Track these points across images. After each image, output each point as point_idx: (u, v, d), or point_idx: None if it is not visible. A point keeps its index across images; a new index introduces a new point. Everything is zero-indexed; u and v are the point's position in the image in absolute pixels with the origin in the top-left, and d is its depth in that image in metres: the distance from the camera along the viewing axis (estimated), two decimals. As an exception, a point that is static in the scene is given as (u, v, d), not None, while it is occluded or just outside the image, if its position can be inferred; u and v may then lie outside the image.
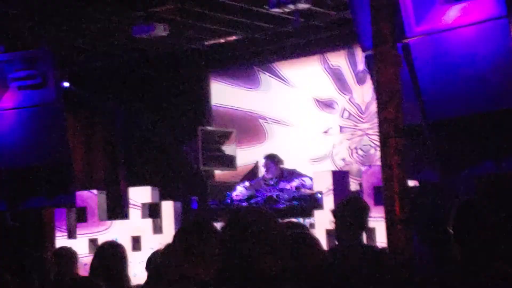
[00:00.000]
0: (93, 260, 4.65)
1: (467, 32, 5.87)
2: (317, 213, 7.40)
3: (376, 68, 4.16)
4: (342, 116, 10.42)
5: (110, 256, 4.61)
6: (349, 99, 10.38)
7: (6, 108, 8.30)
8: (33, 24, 8.57)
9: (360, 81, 10.23)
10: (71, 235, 8.55)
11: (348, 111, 10.38)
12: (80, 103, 10.52)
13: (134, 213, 8.32)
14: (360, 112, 10.30)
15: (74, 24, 8.87)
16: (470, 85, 5.84)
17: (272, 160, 8.51)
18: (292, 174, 8.56)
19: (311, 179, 8.10)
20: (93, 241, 8.34)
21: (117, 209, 9.12)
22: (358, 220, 4.61)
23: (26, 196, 8.52)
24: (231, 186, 8.81)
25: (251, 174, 10.22)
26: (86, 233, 8.47)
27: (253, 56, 10.67)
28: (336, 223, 4.65)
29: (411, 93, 5.77)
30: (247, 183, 8.55)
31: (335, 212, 4.76)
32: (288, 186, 8.23)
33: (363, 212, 4.67)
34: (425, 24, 5.98)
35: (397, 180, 3.98)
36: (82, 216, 8.56)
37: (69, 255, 5.51)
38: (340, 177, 7.45)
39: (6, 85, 8.16)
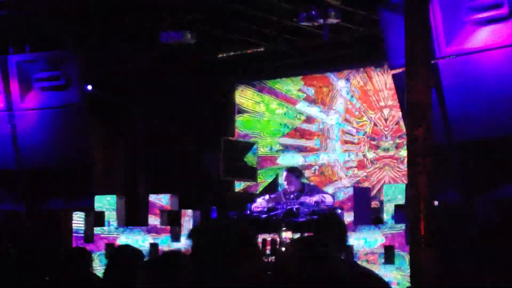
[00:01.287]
0: (108, 263, 4.64)
1: (497, 54, 5.90)
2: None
3: (407, 87, 4.18)
4: (364, 135, 10.43)
5: (126, 260, 4.60)
6: (374, 117, 10.36)
7: (29, 109, 8.37)
8: (58, 25, 8.64)
9: (386, 99, 10.22)
10: (88, 239, 8.58)
11: (371, 129, 10.38)
12: (103, 107, 10.53)
13: (153, 220, 8.34)
14: (382, 130, 10.29)
15: (101, 26, 8.93)
16: (497, 107, 5.86)
17: (294, 173, 8.52)
18: (313, 190, 8.57)
19: (332, 196, 8.10)
20: (109, 246, 8.36)
21: (136, 215, 9.12)
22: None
23: (45, 197, 8.59)
24: (251, 198, 8.81)
25: (271, 186, 10.20)
26: (103, 238, 8.49)
27: (279, 68, 10.70)
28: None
29: (436, 113, 5.80)
30: (267, 196, 8.56)
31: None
32: (308, 200, 8.23)
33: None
34: (455, 45, 6.01)
35: (423, 200, 4.00)
36: (100, 220, 8.57)
37: (83, 254, 5.46)
38: (361, 193, 7.44)
39: (30, 85, 8.23)
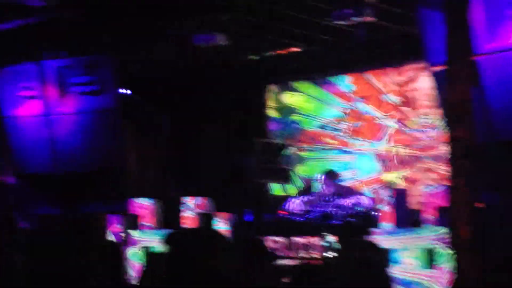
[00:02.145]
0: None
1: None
2: (373, 232, 7.24)
3: (447, 86, 4.04)
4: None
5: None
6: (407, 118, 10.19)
7: (65, 113, 8.42)
8: (94, 31, 8.66)
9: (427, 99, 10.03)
10: (123, 240, 8.56)
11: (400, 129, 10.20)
12: (136, 111, 10.56)
13: (188, 223, 8.29)
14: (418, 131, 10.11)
15: (134, 31, 8.93)
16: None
17: (329, 176, 8.43)
18: (349, 191, 8.46)
19: (369, 198, 7.96)
20: (144, 249, 8.33)
21: (170, 218, 9.04)
22: None
23: (81, 201, 8.63)
24: (286, 200, 8.72)
25: (308, 188, 10.09)
26: (138, 241, 8.48)
27: (313, 68, 10.56)
28: None
29: (477, 112, 5.61)
30: (303, 198, 8.47)
31: None
32: (344, 203, 8.11)
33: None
34: (496, 42, 5.83)
35: (464, 203, 3.86)
36: (134, 223, 8.57)
37: (112, 246, 5.33)
38: (400, 195, 7.29)
39: (66, 90, 8.28)
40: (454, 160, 3.90)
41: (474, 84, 4.79)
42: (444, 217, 6.57)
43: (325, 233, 7.38)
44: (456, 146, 3.90)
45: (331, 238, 7.30)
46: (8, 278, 4.45)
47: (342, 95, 10.56)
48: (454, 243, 3.84)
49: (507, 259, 5.28)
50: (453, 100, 3.96)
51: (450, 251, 3.86)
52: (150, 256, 4.78)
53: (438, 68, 6.51)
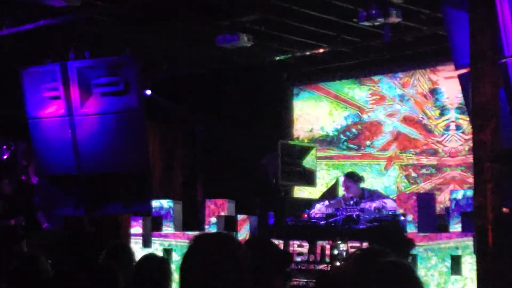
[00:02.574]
0: (135, 272, 4.46)
1: None
2: (399, 236, 7.11)
3: (472, 87, 3.92)
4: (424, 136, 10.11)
5: (153, 269, 4.43)
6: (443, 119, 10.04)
7: (88, 114, 8.40)
8: (117, 31, 8.66)
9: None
10: (146, 243, 8.57)
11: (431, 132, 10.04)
12: (160, 112, 10.56)
13: (210, 225, 8.27)
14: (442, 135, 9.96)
15: (158, 31, 8.91)
16: None
17: (352, 179, 8.28)
18: (373, 195, 8.30)
19: (393, 201, 7.81)
20: (167, 251, 8.31)
21: (193, 220, 9.08)
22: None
23: (105, 202, 8.62)
24: (309, 203, 8.61)
25: (331, 192, 9.98)
26: (161, 243, 8.44)
27: (339, 70, 10.48)
28: None
29: (506, 115, 5.46)
30: (326, 202, 8.35)
31: None
32: (368, 206, 7.97)
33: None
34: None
35: (490, 209, 3.74)
36: (157, 225, 8.54)
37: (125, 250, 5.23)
38: (426, 200, 7.15)
39: (89, 90, 8.27)
40: (480, 164, 3.76)
41: (503, 87, 4.65)
42: (470, 222, 6.44)
43: (339, 242, 7.26)
44: (482, 150, 3.77)
45: (343, 246, 7.18)
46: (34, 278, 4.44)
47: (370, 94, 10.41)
48: (480, 249, 3.70)
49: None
50: (478, 103, 3.83)
51: (476, 257, 3.72)
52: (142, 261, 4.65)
53: (465, 70, 6.41)
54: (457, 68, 6.59)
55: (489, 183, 3.72)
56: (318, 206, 8.29)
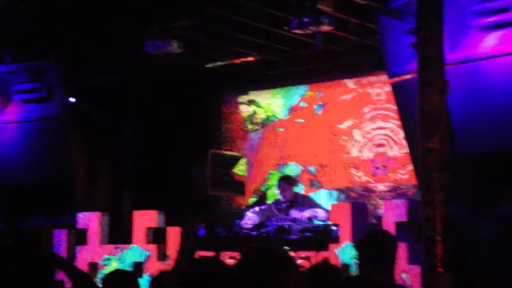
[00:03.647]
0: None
1: (504, 61, 5.49)
2: (332, 247, 6.94)
3: (419, 95, 3.76)
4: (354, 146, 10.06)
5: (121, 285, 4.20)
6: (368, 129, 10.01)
7: (8, 122, 8.02)
8: (40, 35, 8.24)
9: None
10: (70, 258, 8.16)
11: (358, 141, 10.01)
12: (86, 120, 10.25)
13: (138, 237, 7.96)
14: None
15: (84, 37, 8.55)
16: (505, 118, 5.45)
17: (287, 182, 8.13)
18: (305, 200, 8.15)
19: (325, 211, 7.67)
20: (93, 266, 7.95)
21: (120, 233, 8.78)
22: (386, 255, 4.05)
23: (25, 214, 8.24)
24: (240, 213, 8.40)
25: (261, 200, 9.83)
26: (86, 257, 8.10)
27: (269, 79, 10.36)
28: (359, 258, 4.10)
29: (457, 120, 5.39)
30: (257, 208, 8.19)
31: (358, 246, 4.20)
32: (299, 216, 7.81)
33: (392, 246, 4.12)
34: (460, 52, 5.61)
35: (439, 220, 3.57)
36: (82, 238, 8.23)
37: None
38: (359, 209, 7.03)
39: (9, 97, 7.89)
40: (427, 173, 3.59)
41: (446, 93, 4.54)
42: (406, 233, 6.34)
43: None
44: (429, 159, 3.61)
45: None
46: None
47: (297, 107, 10.32)
48: (428, 264, 3.52)
49: (478, 277, 5.03)
50: (427, 109, 3.67)
51: (423, 273, 3.54)
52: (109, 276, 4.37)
53: (398, 79, 6.32)
54: (390, 77, 6.54)
55: (438, 193, 3.54)
56: (249, 214, 8.13)
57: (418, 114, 3.72)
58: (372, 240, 4.05)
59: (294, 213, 7.88)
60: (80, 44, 8.77)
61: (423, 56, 3.76)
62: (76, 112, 9.26)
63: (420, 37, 3.82)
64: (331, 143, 10.21)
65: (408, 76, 6.00)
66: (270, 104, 10.64)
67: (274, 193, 8.56)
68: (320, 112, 10.28)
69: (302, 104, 10.43)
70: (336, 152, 10.16)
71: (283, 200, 7.99)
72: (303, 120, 10.41)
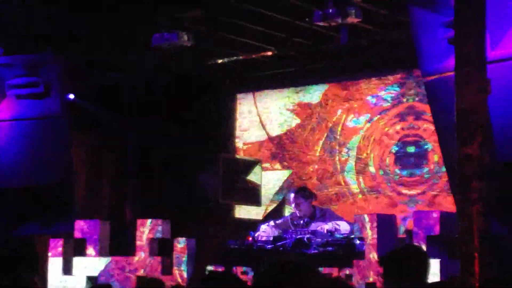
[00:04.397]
0: None
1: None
2: (356, 263, 6.88)
3: (457, 94, 3.71)
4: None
5: None
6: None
7: (3, 119, 8.09)
8: (39, 26, 8.26)
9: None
10: (67, 269, 8.19)
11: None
12: (87, 120, 10.23)
13: (141, 249, 7.94)
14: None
15: (87, 30, 8.58)
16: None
17: (303, 195, 7.99)
18: (325, 214, 8.06)
19: (349, 223, 7.59)
20: (91, 280, 7.94)
21: (122, 243, 8.75)
22: (415, 273, 3.97)
23: (19, 221, 8.32)
24: (254, 225, 8.36)
25: (277, 211, 9.79)
26: (84, 269, 8.08)
27: (288, 76, 10.31)
28: (385, 275, 4.04)
29: (498, 125, 5.35)
30: (272, 222, 8.09)
31: (383, 262, 4.12)
32: (319, 228, 7.74)
33: (424, 263, 4.05)
34: (503, 48, 5.58)
35: (478, 234, 3.51)
36: (80, 248, 8.22)
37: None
38: (386, 221, 6.95)
39: (3, 92, 7.95)
40: (464, 183, 3.54)
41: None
42: (440, 247, 6.29)
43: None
44: (467, 166, 3.55)
45: None
46: None
47: (315, 106, 10.32)
48: (465, 283, 3.46)
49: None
50: (465, 111, 3.61)
51: None
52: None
53: (432, 77, 6.30)
54: (424, 75, 6.54)
55: (476, 205, 3.48)
56: (263, 227, 8.04)
57: (454, 116, 3.68)
58: (399, 255, 3.98)
59: (314, 226, 7.81)
60: (82, 37, 8.78)
61: (461, 53, 3.74)
62: (76, 110, 9.25)
63: (458, 32, 3.79)
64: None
65: (444, 75, 5.97)
66: (287, 103, 10.63)
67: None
68: (340, 113, 10.25)
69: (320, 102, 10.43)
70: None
71: (299, 215, 7.90)
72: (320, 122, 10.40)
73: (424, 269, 3.91)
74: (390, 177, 9.85)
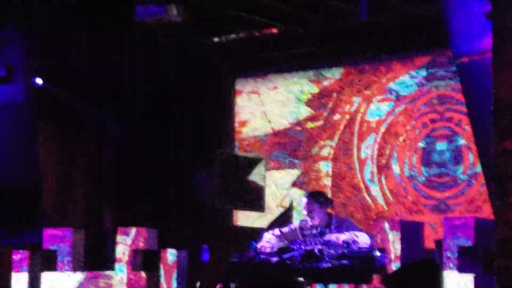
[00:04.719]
0: None
1: None
2: (377, 278, 6.96)
3: (494, 79, 3.76)
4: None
5: None
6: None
7: None
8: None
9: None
10: (34, 286, 8.24)
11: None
12: (58, 110, 10.33)
13: (122, 262, 7.99)
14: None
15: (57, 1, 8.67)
16: None
17: (317, 200, 8.06)
18: (343, 225, 8.12)
19: (370, 236, 7.66)
20: None
21: (99, 255, 8.87)
22: None
23: None
24: (256, 234, 8.42)
25: (284, 218, 9.87)
26: (54, 286, 8.14)
27: (297, 58, 10.43)
28: None
29: None
30: (277, 231, 8.18)
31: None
32: (334, 238, 7.81)
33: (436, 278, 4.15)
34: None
35: None
36: (50, 262, 8.27)
37: None
38: (412, 230, 7.02)
39: None
40: (503, 182, 3.58)
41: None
42: (469, 260, 6.33)
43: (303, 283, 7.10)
44: (506, 162, 3.60)
45: None
46: None
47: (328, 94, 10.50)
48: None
49: None
50: (504, 97, 3.66)
51: None
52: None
53: (466, 59, 6.36)
54: (456, 56, 6.68)
55: (517, 206, 3.53)
56: (267, 236, 8.16)
57: (492, 104, 3.71)
58: (405, 273, 4.09)
59: (327, 237, 7.87)
60: (52, 9, 8.86)
61: (501, 30, 3.76)
62: (44, 98, 9.34)
63: (497, 4, 3.79)
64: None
65: (479, 56, 6.01)
66: (295, 90, 10.73)
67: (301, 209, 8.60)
68: (358, 103, 10.33)
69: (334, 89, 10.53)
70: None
71: (311, 224, 7.95)
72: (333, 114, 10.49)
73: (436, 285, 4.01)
74: (417, 178, 9.92)
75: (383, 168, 10.22)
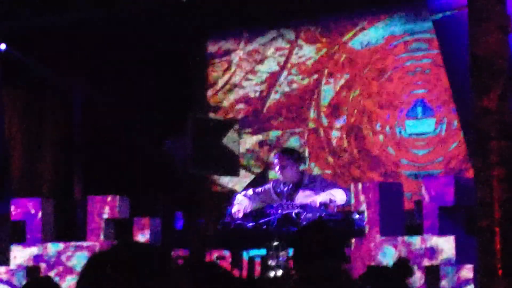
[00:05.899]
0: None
1: None
2: (356, 242, 6.98)
3: (471, 35, 3.73)
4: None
5: None
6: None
7: None
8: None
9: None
10: (2, 259, 8.23)
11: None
12: (23, 77, 10.29)
13: (94, 232, 7.99)
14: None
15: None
16: None
17: (290, 156, 8.05)
18: (315, 182, 8.13)
19: (345, 191, 7.68)
20: (33, 270, 7.96)
21: (70, 226, 8.87)
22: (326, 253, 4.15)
23: None
24: (231, 198, 8.46)
25: (259, 180, 9.87)
26: (24, 259, 8.11)
27: (278, 12, 10.36)
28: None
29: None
30: (250, 191, 8.19)
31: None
32: (311, 202, 7.82)
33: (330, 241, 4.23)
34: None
35: (498, 205, 3.57)
36: (19, 233, 8.27)
37: None
38: (390, 191, 7.02)
39: None
40: (483, 142, 3.57)
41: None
42: (453, 222, 6.36)
43: (276, 244, 7.09)
44: (485, 122, 3.58)
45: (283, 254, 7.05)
46: None
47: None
48: (483, 265, 3.52)
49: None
50: (481, 54, 3.62)
51: (477, 276, 3.58)
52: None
53: (441, 14, 6.36)
54: (431, 12, 6.61)
55: (496, 168, 3.54)
56: (239, 198, 8.21)
57: (468, 61, 3.70)
58: (297, 240, 4.28)
59: (301, 198, 7.88)
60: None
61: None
62: (7, 64, 9.36)
63: None
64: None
65: (455, 10, 6.00)
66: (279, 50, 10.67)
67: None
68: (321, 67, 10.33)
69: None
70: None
71: (283, 181, 7.94)
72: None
73: (330, 247, 4.06)
74: (396, 137, 9.96)
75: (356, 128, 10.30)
